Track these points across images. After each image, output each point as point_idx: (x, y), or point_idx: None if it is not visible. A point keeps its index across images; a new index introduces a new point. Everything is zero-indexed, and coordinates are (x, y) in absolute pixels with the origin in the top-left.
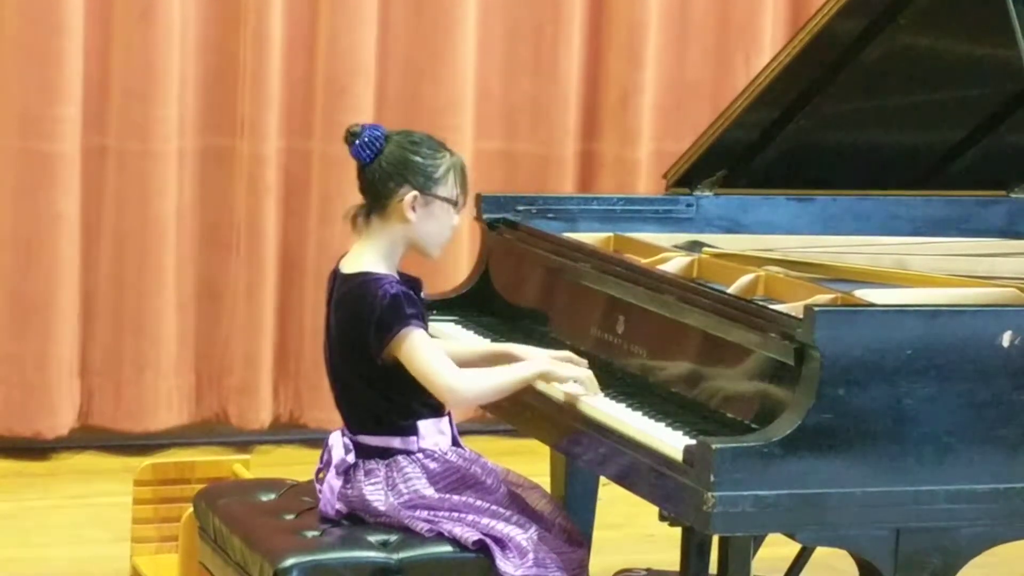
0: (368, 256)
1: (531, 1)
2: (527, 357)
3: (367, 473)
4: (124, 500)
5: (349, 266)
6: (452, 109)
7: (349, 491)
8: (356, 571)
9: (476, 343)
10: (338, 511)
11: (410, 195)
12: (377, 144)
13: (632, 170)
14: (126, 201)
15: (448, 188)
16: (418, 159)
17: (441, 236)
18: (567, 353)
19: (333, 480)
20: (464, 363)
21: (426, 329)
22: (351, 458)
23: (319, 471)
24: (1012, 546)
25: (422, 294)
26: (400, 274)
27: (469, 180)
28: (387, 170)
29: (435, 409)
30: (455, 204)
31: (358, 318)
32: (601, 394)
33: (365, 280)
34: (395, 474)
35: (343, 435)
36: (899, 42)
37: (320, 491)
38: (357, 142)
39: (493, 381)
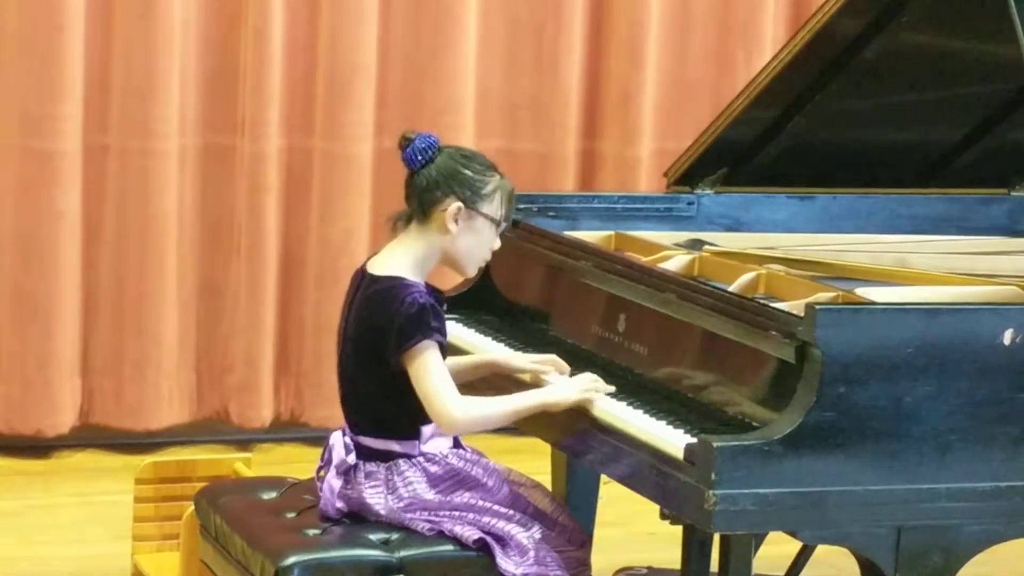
0: (401, 261)
1: None
2: (513, 365)
3: (367, 475)
4: (125, 498)
5: (379, 267)
6: (453, 108)
7: (349, 492)
8: (357, 569)
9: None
10: (338, 509)
11: (455, 206)
12: (430, 152)
13: (633, 168)
14: (127, 199)
15: (494, 207)
16: (468, 172)
17: (479, 254)
18: (551, 357)
19: (333, 480)
20: (457, 372)
21: (445, 344)
22: (351, 459)
23: (320, 469)
24: (1013, 544)
25: (444, 307)
26: (426, 285)
27: (514, 205)
28: (436, 179)
29: None
30: (498, 224)
31: (381, 320)
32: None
33: (395, 284)
34: (395, 478)
35: (344, 435)
36: (900, 40)
37: (320, 489)
38: (410, 148)
39: (490, 412)
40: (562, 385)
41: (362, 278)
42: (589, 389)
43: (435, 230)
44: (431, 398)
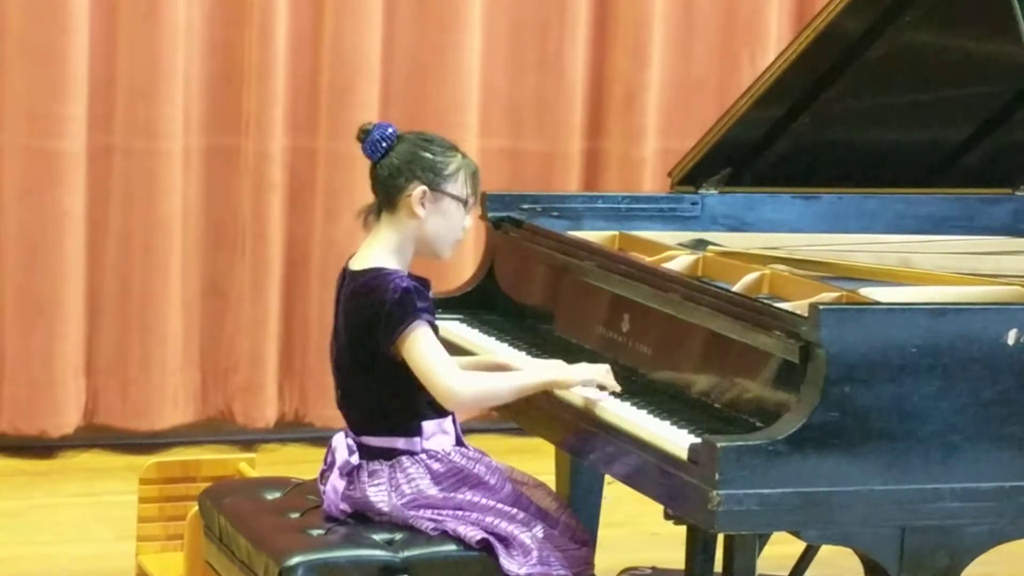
0: (378, 252)
1: None
2: (522, 368)
3: (371, 474)
4: (129, 498)
5: (358, 263)
6: (457, 107)
7: (353, 492)
8: (361, 569)
9: (478, 357)
10: (342, 511)
11: (419, 190)
12: (388, 141)
13: (637, 168)
14: (132, 200)
15: (458, 187)
16: (428, 155)
17: (451, 235)
18: (557, 362)
19: (337, 481)
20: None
21: (435, 325)
22: (355, 459)
23: (323, 472)
24: (1016, 544)
25: (431, 294)
26: (409, 274)
27: (479, 183)
28: (397, 166)
29: (439, 409)
30: (465, 203)
31: (368, 312)
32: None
33: (376, 275)
34: (399, 475)
35: (346, 436)
36: (904, 39)
37: (324, 492)
38: (368, 139)
39: (493, 386)
40: (571, 366)
41: (344, 277)
42: (599, 378)
43: (404, 217)
44: (430, 375)
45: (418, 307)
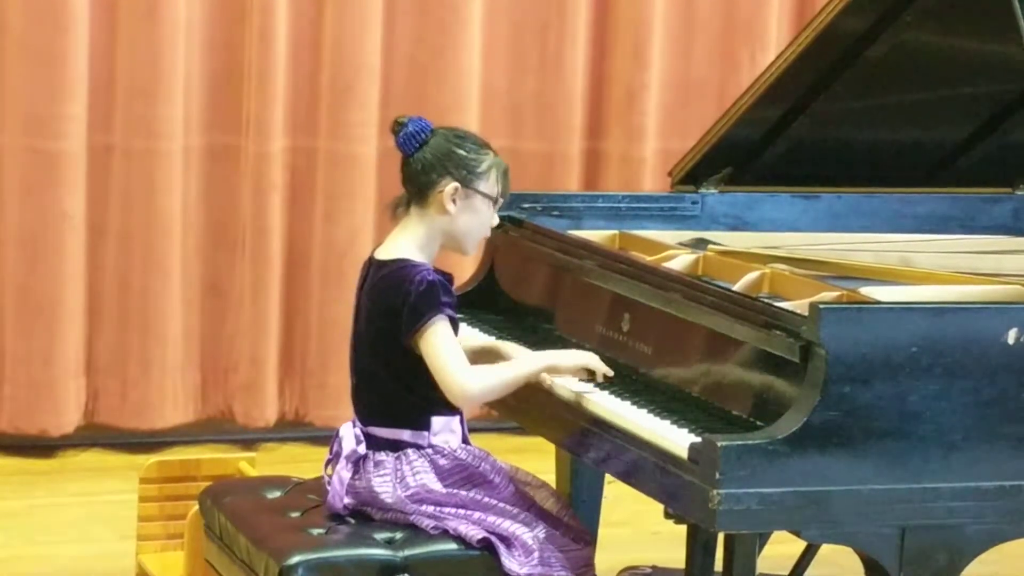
0: (405, 244)
1: None
2: (515, 355)
3: (376, 464)
4: (130, 498)
5: (385, 253)
6: (457, 108)
7: (358, 482)
8: (362, 568)
9: (470, 338)
10: (345, 504)
11: (451, 186)
12: (422, 135)
13: (637, 168)
14: (132, 199)
15: (490, 185)
16: (462, 152)
17: (479, 232)
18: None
19: (343, 471)
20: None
21: (456, 321)
22: (362, 449)
23: (327, 463)
24: (1016, 543)
25: (453, 288)
26: (434, 268)
27: (509, 182)
28: (430, 161)
29: (450, 406)
30: (495, 201)
31: (393, 302)
32: (610, 377)
33: (403, 266)
34: (404, 467)
35: (354, 426)
36: (904, 39)
37: (328, 483)
38: (402, 132)
39: (500, 378)
40: (562, 351)
41: (370, 266)
42: (592, 363)
43: (434, 212)
44: (443, 371)
45: (442, 301)
